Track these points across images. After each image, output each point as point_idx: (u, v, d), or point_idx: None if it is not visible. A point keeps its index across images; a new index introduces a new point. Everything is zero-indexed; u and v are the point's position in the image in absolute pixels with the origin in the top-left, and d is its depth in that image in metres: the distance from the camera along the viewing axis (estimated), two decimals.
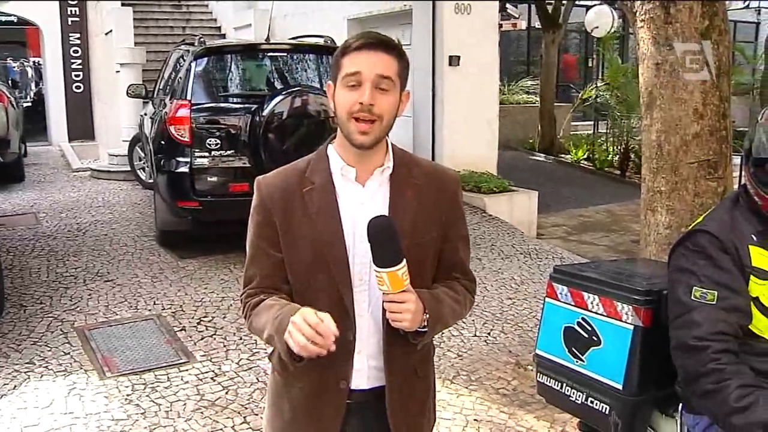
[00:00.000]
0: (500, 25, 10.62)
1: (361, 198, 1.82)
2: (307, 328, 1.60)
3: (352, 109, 1.72)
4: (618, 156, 13.23)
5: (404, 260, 1.69)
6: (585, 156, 13.90)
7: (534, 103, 15.88)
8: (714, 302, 1.99)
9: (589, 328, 2.45)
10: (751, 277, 2.01)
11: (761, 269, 2.01)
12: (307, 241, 1.81)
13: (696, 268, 2.04)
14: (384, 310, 1.76)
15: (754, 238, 2.04)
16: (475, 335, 5.05)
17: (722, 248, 2.03)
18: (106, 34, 12.61)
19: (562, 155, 14.39)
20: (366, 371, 1.88)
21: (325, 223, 1.80)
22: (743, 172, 2.09)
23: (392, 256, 1.68)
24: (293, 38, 8.21)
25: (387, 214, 1.78)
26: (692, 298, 2.02)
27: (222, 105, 6.64)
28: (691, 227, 2.18)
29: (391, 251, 1.68)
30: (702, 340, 1.97)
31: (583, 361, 2.46)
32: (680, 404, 2.24)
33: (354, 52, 1.73)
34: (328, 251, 1.79)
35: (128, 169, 10.54)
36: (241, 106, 6.53)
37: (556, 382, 2.56)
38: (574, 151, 14.10)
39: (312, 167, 1.85)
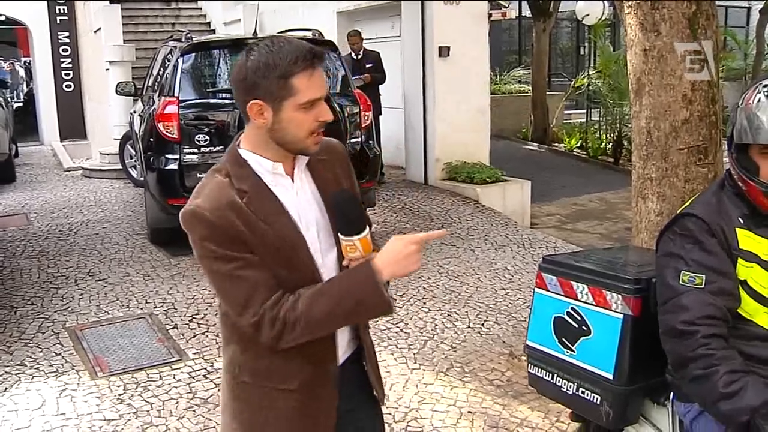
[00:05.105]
0: (490, 15, 10.54)
1: (295, 189, 1.87)
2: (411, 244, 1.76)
3: (312, 127, 1.78)
4: (611, 144, 13.20)
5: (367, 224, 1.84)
6: (578, 144, 13.89)
7: (526, 92, 15.85)
8: (702, 286, 1.98)
9: (579, 318, 2.43)
10: (739, 260, 2.00)
11: (749, 252, 1.99)
12: (269, 246, 1.77)
13: (683, 253, 2.03)
14: None
15: (741, 221, 2.03)
16: (469, 326, 5.03)
17: (709, 231, 2.01)
18: (95, 32, 12.54)
19: (555, 144, 14.38)
20: (346, 343, 1.98)
21: (282, 225, 1.80)
22: (728, 157, 2.08)
23: (361, 223, 1.81)
24: (281, 32, 8.15)
25: (320, 194, 1.89)
26: (680, 282, 2.01)
27: (210, 101, 6.60)
28: (678, 212, 2.16)
29: (359, 218, 1.82)
30: (691, 325, 1.96)
31: (573, 351, 2.44)
32: (671, 393, 2.23)
33: (303, 74, 1.72)
34: (293, 249, 1.81)
35: (120, 167, 10.50)
36: (230, 101, 6.46)
37: (547, 373, 2.55)
38: (567, 139, 14.09)
39: (234, 176, 1.80)
